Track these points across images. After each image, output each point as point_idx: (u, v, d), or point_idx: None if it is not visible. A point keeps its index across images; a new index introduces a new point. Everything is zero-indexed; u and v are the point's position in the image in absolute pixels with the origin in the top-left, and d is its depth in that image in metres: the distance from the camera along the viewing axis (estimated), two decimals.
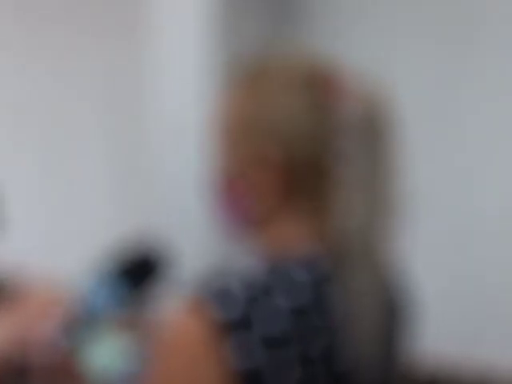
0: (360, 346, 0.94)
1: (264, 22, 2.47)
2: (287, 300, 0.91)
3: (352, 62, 1.04)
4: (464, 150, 2.32)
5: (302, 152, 0.95)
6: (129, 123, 2.82)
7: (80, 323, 1.10)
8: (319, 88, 0.97)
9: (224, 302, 0.89)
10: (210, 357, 0.87)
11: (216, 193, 1.02)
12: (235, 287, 0.90)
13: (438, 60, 2.33)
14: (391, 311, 1.03)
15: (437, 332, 2.22)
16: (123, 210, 2.85)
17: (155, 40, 2.36)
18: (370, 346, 0.94)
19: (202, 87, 2.29)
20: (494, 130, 2.27)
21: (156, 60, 2.36)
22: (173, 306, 0.93)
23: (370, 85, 0.99)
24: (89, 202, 2.96)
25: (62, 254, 2.89)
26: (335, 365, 0.93)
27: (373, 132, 0.96)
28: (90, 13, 2.91)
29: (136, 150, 2.77)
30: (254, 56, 1.02)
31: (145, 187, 2.62)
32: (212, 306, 0.88)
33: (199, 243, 2.28)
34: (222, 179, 1.00)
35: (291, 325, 0.90)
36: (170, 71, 2.34)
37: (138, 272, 1.14)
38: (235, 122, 0.98)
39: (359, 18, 2.46)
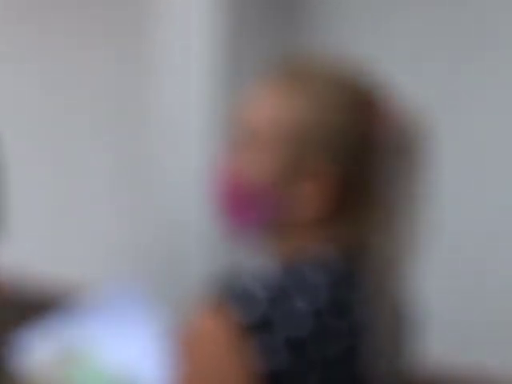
0: (376, 350, 0.95)
1: (269, 27, 2.48)
2: (305, 301, 0.92)
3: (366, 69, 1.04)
4: (479, 159, 2.32)
5: (352, 168, 0.96)
6: (134, 128, 2.83)
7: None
8: (365, 106, 0.97)
9: (246, 304, 0.90)
10: (233, 359, 0.88)
11: (235, 194, 1.00)
12: (256, 289, 0.91)
13: (461, 71, 2.34)
14: (401, 321, 1.04)
15: (443, 340, 2.22)
16: (127, 213, 2.84)
17: (158, 43, 2.36)
18: (385, 350, 0.96)
19: (206, 93, 2.29)
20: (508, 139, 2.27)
21: (159, 66, 2.35)
22: (194, 310, 0.94)
23: (408, 107, 0.99)
24: (91, 207, 2.95)
25: (64, 259, 2.88)
26: (354, 367, 0.94)
27: (408, 156, 0.97)
28: (90, 24, 2.92)
29: (141, 156, 2.77)
30: (292, 65, 1.01)
31: (149, 190, 2.62)
32: (234, 309, 0.89)
33: (208, 246, 2.26)
34: (251, 183, 0.99)
35: (311, 326, 0.91)
36: (174, 78, 2.34)
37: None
38: (283, 132, 0.97)
39: (369, 27, 2.46)
